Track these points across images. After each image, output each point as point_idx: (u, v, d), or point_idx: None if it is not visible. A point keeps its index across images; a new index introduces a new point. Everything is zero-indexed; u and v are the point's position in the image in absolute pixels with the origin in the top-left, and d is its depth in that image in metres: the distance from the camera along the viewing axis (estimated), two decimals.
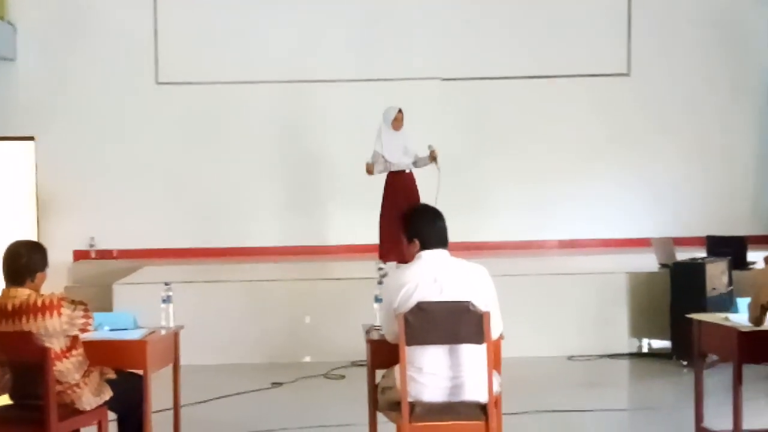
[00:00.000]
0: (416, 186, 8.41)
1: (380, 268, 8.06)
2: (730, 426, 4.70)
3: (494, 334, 4.08)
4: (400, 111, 8.41)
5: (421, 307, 3.93)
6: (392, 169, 8.42)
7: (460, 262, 4.15)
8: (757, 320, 4.63)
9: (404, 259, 8.27)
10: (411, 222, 4.21)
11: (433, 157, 8.34)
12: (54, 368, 4.04)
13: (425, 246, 4.13)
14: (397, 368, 4.04)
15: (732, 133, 10.54)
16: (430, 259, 4.11)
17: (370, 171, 8.40)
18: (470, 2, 10.35)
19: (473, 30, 10.34)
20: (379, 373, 4.37)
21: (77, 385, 4.15)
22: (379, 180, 8.48)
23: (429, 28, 10.29)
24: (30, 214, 9.95)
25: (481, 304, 3.96)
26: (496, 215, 10.09)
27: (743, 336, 4.67)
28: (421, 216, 4.23)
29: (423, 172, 8.48)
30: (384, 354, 4.24)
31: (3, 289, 4.17)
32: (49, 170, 10.04)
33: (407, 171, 8.43)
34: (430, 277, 4.03)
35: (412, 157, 8.41)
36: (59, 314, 4.07)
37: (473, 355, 3.97)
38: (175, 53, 10.19)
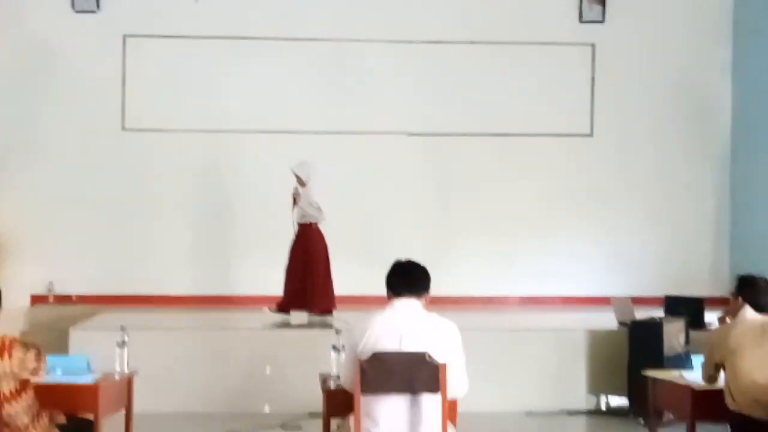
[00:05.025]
0: (300, 241, 8.46)
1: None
2: None
3: (456, 393, 4.09)
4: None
5: (378, 357, 3.94)
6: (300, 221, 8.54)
7: (430, 316, 4.16)
8: (710, 378, 4.68)
9: (307, 308, 8.50)
10: (387, 276, 4.24)
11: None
12: (2, 411, 3.97)
13: (393, 294, 4.14)
14: (352, 418, 4.02)
15: (691, 196, 10.69)
16: (398, 308, 4.13)
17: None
18: (438, 59, 10.47)
19: (439, 87, 10.45)
20: (335, 423, 4.35)
21: (26, 428, 4.09)
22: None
23: (396, 84, 10.39)
24: None
25: (440, 358, 3.97)
26: (458, 270, 10.09)
27: (697, 394, 4.72)
28: (393, 269, 4.27)
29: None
30: (340, 404, 4.24)
31: None
32: (10, 213, 9.93)
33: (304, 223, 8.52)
34: (393, 327, 4.04)
35: (299, 214, 8.48)
36: (10, 356, 4.01)
37: (431, 409, 3.97)
38: (142, 100, 10.20)
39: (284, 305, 8.46)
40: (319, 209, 8.48)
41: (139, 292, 9.96)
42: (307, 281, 8.38)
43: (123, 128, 10.25)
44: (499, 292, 10.33)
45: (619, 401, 7.70)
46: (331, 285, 8.52)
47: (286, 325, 8.26)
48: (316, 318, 8.36)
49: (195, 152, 10.25)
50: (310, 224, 8.49)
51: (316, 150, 10.09)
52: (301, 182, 8.52)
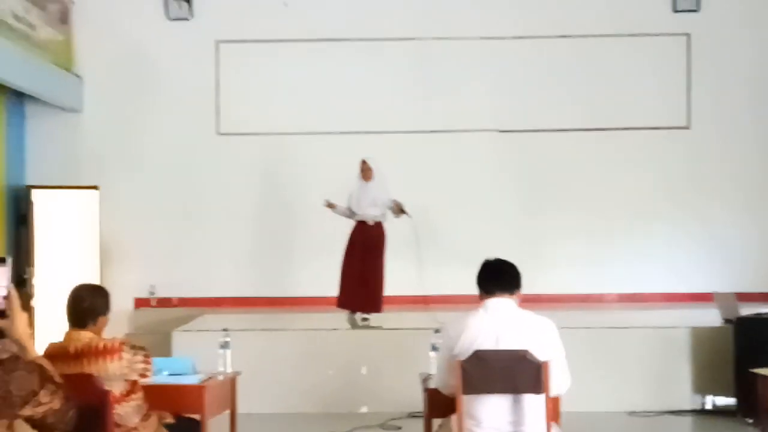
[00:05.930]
0: (382, 237, 8.25)
1: (364, 319, 8.12)
2: None
3: (559, 390, 4.02)
4: (363, 162, 8.34)
5: (479, 356, 3.90)
6: (357, 219, 8.31)
7: (525, 314, 4.09)
8: None
9: (362, 308, 8.21)
10: (478, 276, 4.19)
11: (398, 210, 8.25)
12: (113, 411, 4.06)
13: (485, 294, 4.11)
14: (454, 418, 3.99)
15: None
16: (493, 308, 4.07)
17: (331, 207, 8.39)
18: (528, 54, 10.36)
19: (531, 82, 10.34)
20: (437, 423, 4.32)
21: (136, 428, 4.17)
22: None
23: (486, 81, 10.32)
24: (93, 262, 10.09)
25: (540, 355, 3.90)
26: (555, 267, 9.97)
27: None
28: (483, 268, 4.22)
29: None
30: (441, 403, 4.20)
31: (66, 332, 4.23)
32: (112, 219, 10.20)
33: (371, 222, 8.25)
34: (489, 326, 4.00)
35: (380, 209, 8.29)
36: (120, 358, 4.11)
37: (534, 408, 3.91)
38: (236, 104, 10.36)
39: (376, 306, 8.32)
40: (383, 207, 8.24)
41: (242, 295, 10.12)
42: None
43: (218, 133, 10.43)
44: (597, 289, 10.17)
45: (725, 401, 7.48)
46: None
47: (379, 326, 8.23)
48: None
49: (289, 154, 10.35)
50: (376, 222, 8.29)
51: (407, 149, 10.11)
52: (368, 174, 8.29)
